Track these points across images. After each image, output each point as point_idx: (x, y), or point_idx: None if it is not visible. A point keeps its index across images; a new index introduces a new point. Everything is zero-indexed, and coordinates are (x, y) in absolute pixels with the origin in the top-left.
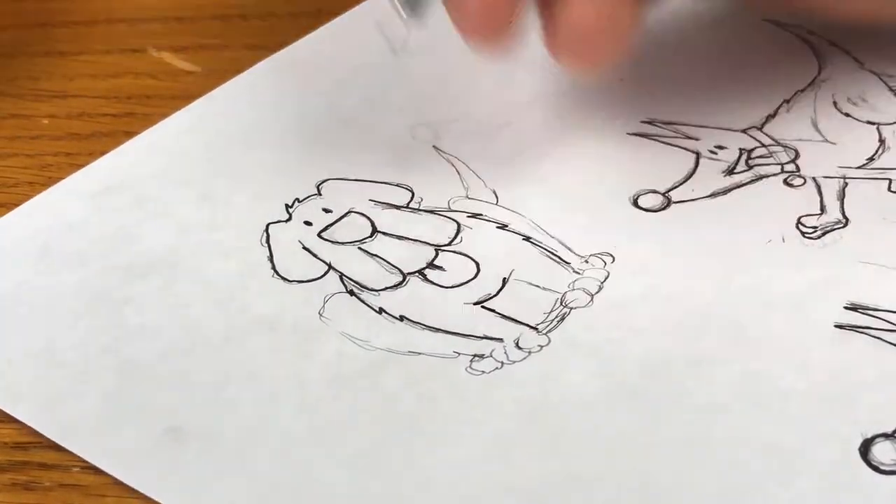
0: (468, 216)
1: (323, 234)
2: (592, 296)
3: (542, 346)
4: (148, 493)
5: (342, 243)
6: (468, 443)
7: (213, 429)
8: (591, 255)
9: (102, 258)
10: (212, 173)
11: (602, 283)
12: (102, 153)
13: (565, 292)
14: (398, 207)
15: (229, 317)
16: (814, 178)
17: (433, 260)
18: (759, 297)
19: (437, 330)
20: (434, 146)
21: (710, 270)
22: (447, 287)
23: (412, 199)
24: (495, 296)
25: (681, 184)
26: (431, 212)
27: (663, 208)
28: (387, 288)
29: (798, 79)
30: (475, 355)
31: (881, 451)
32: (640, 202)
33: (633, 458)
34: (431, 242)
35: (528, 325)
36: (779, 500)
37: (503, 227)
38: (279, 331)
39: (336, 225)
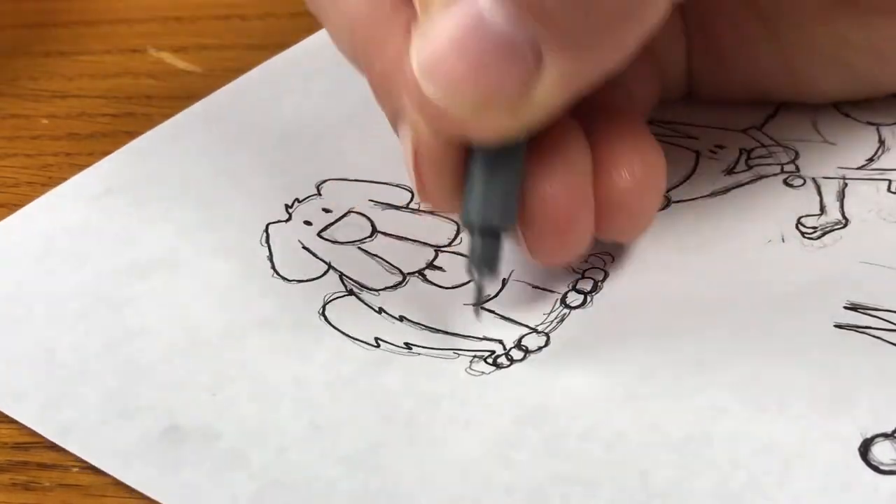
0: None
1: (323, 234)
2: (592, 296)
3: (541, 347)
4: (147, 493)
5: (342, 243)
6: (468, 443)
7: (212, 429)
8: (590, 255)
9: (103, 259)
10: (212, 174)
11: (601, 283)
12: (102, 153)
13: (565, 293)
14: (398, 208)
15: (229, 317)
16: (813, 179)
17: (433, 260)
18: (758, 297)
19: (437, 330)
20: None
21: (710, 270)
22: (447, 288)
23: (412, 199)
24: (495, 297)
25: (680, 183)
26: (431, 212)
27: (663, 208)
28: (387, 288)
29: None
30: (475, 356)
31: (881, 451)
32: None
33: (633, 458)
34: (431, 243)
35: (527, 326)
36: (779, 500)
37: None
38: (279, 330)
39: (336, 224)
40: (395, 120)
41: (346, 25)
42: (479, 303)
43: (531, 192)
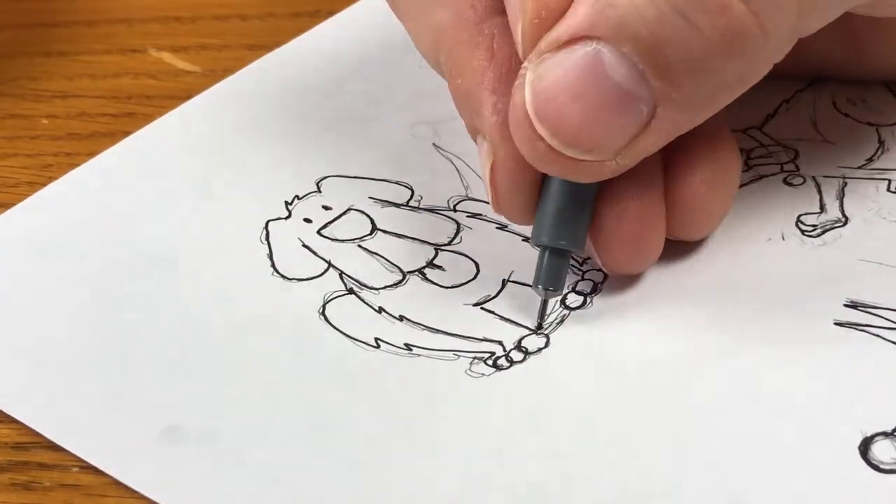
0: (468, 216)
1: (323, 232)
2: (592, 298)
3: (541, 348)
4: (146, 493)
5: (342, 240)
6: (467, 444)
7: (212, 428)
8: (589, 258)
9: (102, 255)
10: (211, 170)
11: (601, 285)
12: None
13: (565, 294)
14: (398, 205)
15: (228, 315)
16: (813, 177)
17: (433, 259)
18: (758, 296)
19: (437, 331)
20: (434, 144)
21: (710, 269)
22: (447, 287)
23: (412, 197)
24: (495, 297)
25: None
26: (431, 210)
27: None
28: (387, 286)
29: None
30: (475, 357)
31: (881, 450)
32: None
33: (633, 458)
34: (431, 241)
35: (527, 328)
36: (778, 500)
37: (503, 227)
38: (278, 329)
39: (336, 222)
40: (473, 132)
41: (430, 36)
42: (542, 320)
43: (602, 209)
